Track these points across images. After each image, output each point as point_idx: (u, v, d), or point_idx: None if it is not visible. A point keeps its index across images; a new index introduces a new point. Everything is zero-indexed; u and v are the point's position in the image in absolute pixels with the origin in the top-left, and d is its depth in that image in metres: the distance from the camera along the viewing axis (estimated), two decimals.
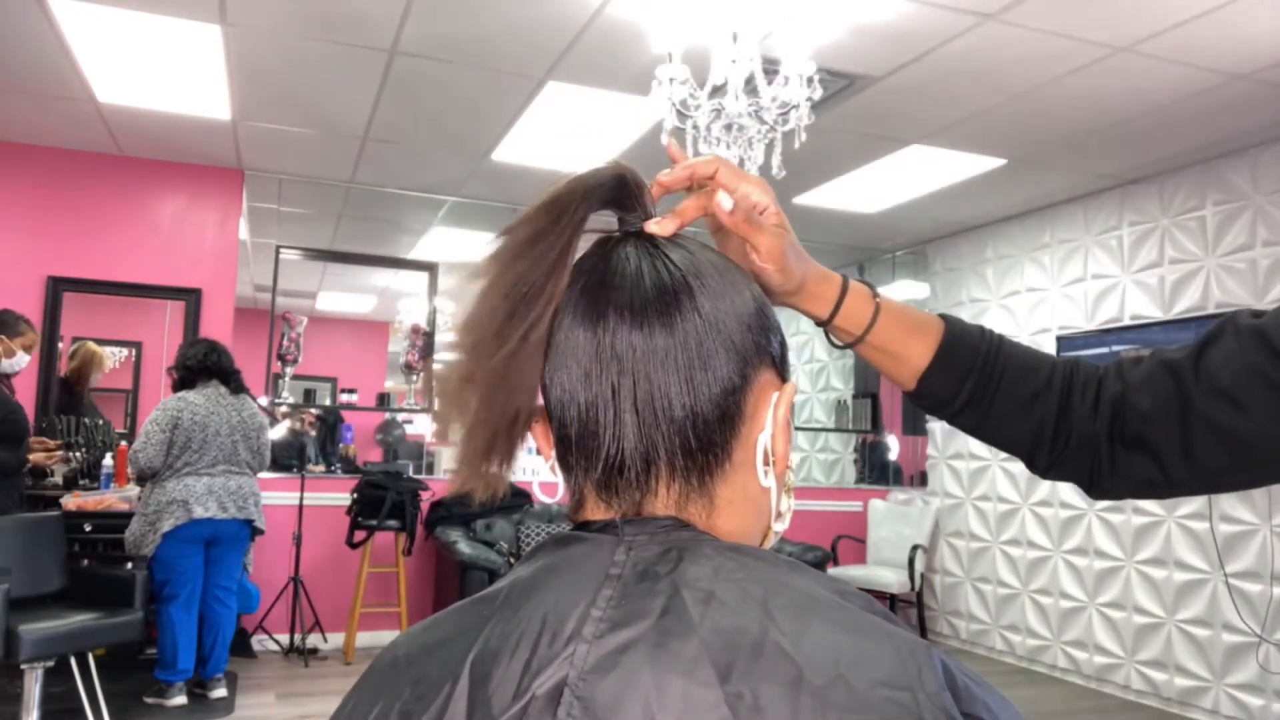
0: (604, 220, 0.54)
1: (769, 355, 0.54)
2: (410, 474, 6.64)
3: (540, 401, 0.53)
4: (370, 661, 0.54)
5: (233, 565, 4.29)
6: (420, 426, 10.85)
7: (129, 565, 3.97)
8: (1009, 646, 5.62)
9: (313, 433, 8.58)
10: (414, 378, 6.25)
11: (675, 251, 0.53)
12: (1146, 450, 0.76)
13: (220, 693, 4.17)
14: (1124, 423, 0.77)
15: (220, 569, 4.22)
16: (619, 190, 0.54)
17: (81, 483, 4.69)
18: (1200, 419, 0.73)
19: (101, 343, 5.34)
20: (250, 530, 4.27)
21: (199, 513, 3.98)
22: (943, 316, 0.83)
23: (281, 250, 5.95)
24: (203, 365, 4.17)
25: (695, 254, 0.54)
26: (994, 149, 4.61)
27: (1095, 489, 0.81)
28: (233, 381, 4.23)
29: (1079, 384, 0.80)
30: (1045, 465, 0.82)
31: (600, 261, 0.53)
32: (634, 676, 0.41)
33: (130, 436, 5.16)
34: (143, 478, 4.12)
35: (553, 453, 0.53)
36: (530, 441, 0.52)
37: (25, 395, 4.86)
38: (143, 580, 3.74)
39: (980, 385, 0.80)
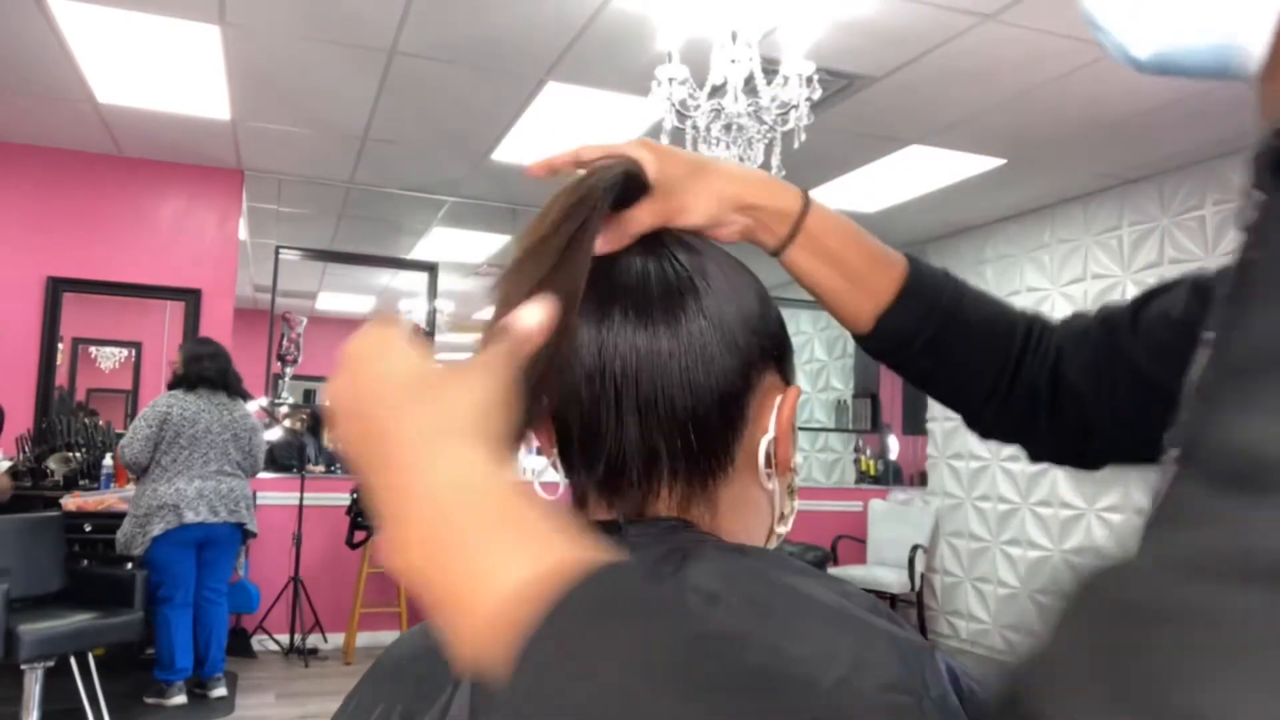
0: None
1: (773, 358, 0.54)
2: None
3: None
4: (373, 661, 0.54)
5: (224, 568, 4.28)
6: None
7: (129, 565, 3.97)
8: (1009, 646, 5.61)
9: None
10: None
11: (682, 252, 0.53)
12: (1078, 404, 0.71)
13: (220, 692, 4.17)
14: (1061, 375, 0.72)
15: (211, 571, 4.20)
16: (630, 188, 0.54)
17: (81, 483, 4.69)
18: (1128, 371, 0.68)
19: (101, 343, 5.35)
20: (241, 533, 4.26)
21: (190, 517, 3.96)
22: (905, 253, 0.76)
23: (281, 250, 5.95)
24: (189, 374, 4.14)
25: (703, 253, 0.54)
26: (994, 149, 4.61)
27: (1031, 448, 0.76)
28: (225, 387, 4.21)
29: (1036, 332, 0.75)
30: (991, 419, 0.76)
31: (606, 259, 0.52)
32: None
33: None
34: (132, 473, 4.12)
35: (554, 450, 0.53)
36: (532, 440, 0.52)
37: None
38: (142, 580, 3.74)
39: (944, 324, 0.73)
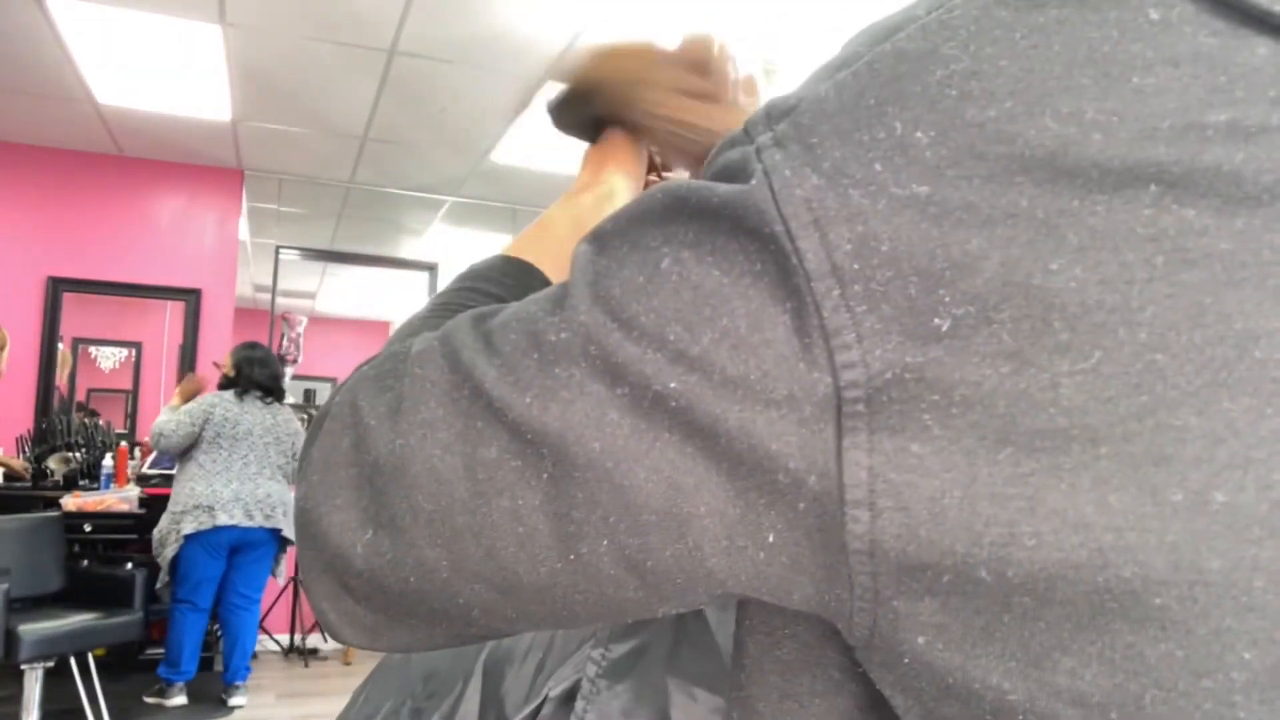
0: None
1: None
2: None
3: None
4: (375, 661, 0.54)
5: (258, 573, 4.20)
6: None
7: (129, 565, 3.97)
8: None
9: None
10: None
11: None
12: None
13: (238, 701, 4.09)
14: None
15: (243, 576, 4.13)
16: None
17: (81, 483, 4.68)
18: None
19: (101, 343, 5.34)
20: (278, 539, 4.17)
21: (223, 519, 3.90)
22: None
23: (281, 250, 5.95)
24: (241, 379, 4.13)
25: None
26: None
27: None
28: (273, 393, 4.21)
29: None
30: None
31: None
32: (649, 681, 0.41)
33: (130, 436, 5.16)
34: (158, 451, 4.06)
35: None
36: None
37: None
38: (143, 580, 3.74)
39: None
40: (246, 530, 3.99)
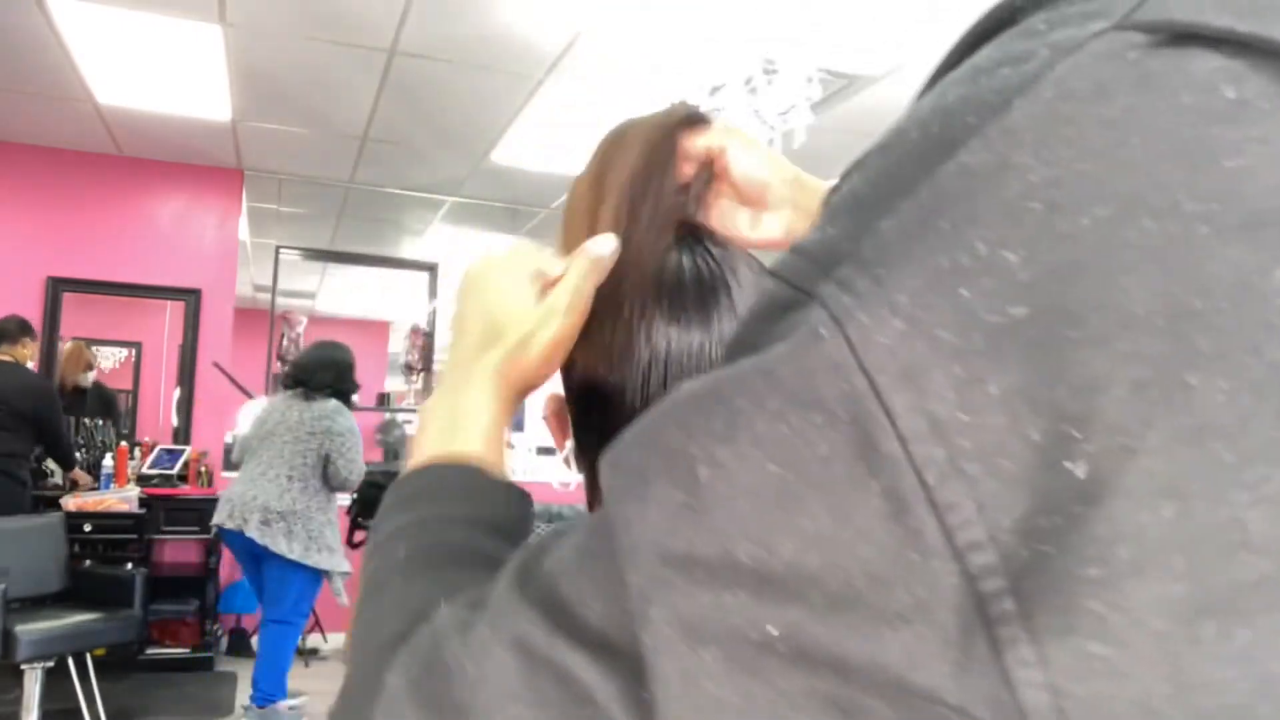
0: None
1: None
2: None
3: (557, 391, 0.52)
4: None
5: (274, 589, 3.74)
6: None
7: (129, 565, 3.97)
8: None
9: None
10: (414, 378, 6.25)
11: (715, 247, 0.52)
12: None
13: None
14: None
15: (264, 590, 3.83)
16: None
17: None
18: None
19: (101, 343, 5.34)
20: (262, 550, 3.59)
21: (214, 519, 3.74)
22: None
23: (281, 250, 5.95)
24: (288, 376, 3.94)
25: (730, 250, 0.53)
26: None
27: None
28: (300, 385, 3.83)
29: None
30: None
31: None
32: None
33: (130, 437, 5.15)
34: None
35: (567, 442, 0.52)
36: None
37: None
38: (142, 580, 3.74)
39: None
40: (234, 534, 3.65)
